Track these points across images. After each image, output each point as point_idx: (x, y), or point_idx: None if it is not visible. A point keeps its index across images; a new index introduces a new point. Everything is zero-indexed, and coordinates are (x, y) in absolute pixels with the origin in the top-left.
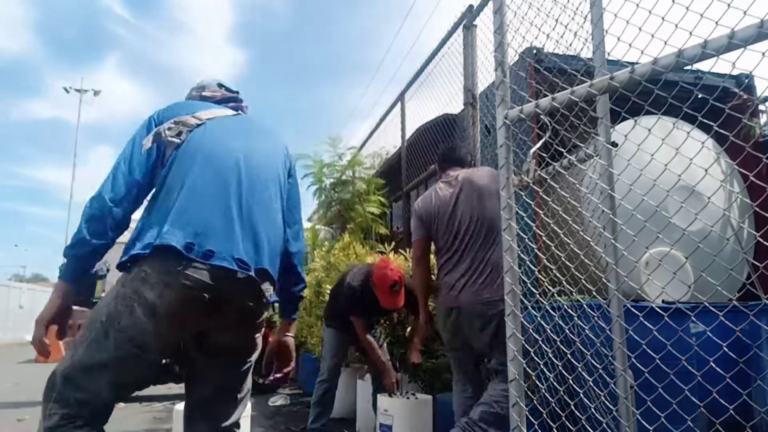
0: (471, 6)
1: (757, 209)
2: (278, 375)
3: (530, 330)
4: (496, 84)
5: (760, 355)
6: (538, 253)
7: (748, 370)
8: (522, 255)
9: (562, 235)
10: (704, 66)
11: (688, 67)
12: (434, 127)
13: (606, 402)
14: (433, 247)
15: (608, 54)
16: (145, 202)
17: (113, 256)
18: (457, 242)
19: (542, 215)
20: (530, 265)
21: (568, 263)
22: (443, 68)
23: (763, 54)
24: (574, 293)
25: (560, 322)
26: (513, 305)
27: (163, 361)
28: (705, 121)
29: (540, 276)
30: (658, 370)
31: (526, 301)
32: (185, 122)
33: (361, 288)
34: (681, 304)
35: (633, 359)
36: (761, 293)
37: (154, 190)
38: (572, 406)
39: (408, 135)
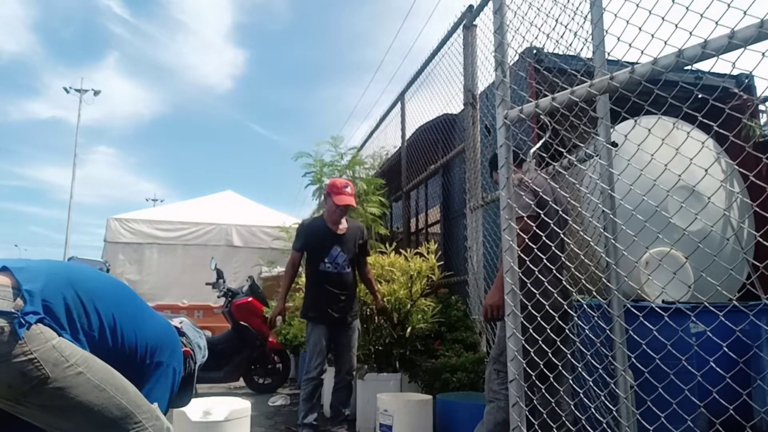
0: (471, 6)
1: (757, 209)
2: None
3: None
4: (496, 84)
5: (760, 355)
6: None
7: (748, 370)
8: (523, 255)
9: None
10: (704, 66)
11: (688, 67)
12: (434, 127)
13: (606, 402)
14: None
15: (608, 54)
16: None
17: (112, 255)
18: None
19: (542, 215)
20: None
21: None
22: (443, 68)
23: (763, 54)
24: (574, 293)
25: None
26: (513, 305)
27: None
28: (705, 121)
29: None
30: (658, 370)
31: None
32: None
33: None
34: (681, 304)
35: (633, 359)
36: (761, 293)
37: None
38: (572, 406)
39: (408, 135)
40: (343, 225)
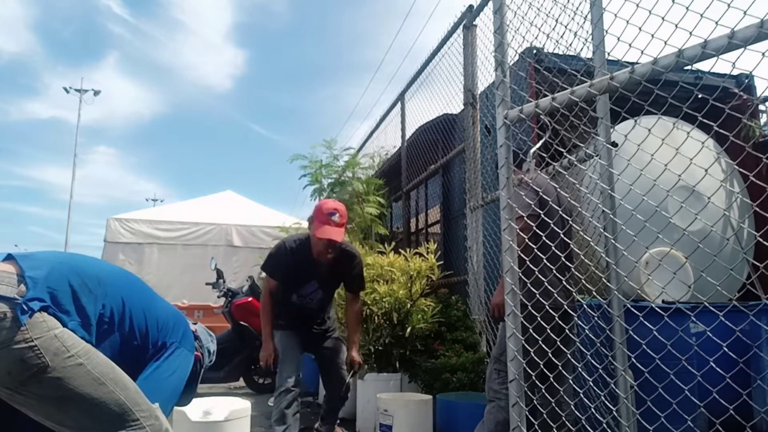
0: (471, 6)
1: (757, 209)
2: None
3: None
4: (496, 84)
5: (760, 355)
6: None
7: (748, 370)
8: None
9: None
10: (704, 66)
11: (688, 67)
12: (434, 127)
13: (606, 402)
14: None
15: (608, 54)
16: None
17: (112, 255)
18: None
19: (543, 216)
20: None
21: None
22: (443, 68)
23: (763, 54)
24: (574, 293)
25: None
26: (513, 305)
27: None
28: (705, 121)
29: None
30: (658, 370)
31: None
32: None
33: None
34: (681, 304)
35: (633, 359)
36: (761, 293)
37: None
38: (572, 406)
39: (408, 135)
40: (331, 256)
